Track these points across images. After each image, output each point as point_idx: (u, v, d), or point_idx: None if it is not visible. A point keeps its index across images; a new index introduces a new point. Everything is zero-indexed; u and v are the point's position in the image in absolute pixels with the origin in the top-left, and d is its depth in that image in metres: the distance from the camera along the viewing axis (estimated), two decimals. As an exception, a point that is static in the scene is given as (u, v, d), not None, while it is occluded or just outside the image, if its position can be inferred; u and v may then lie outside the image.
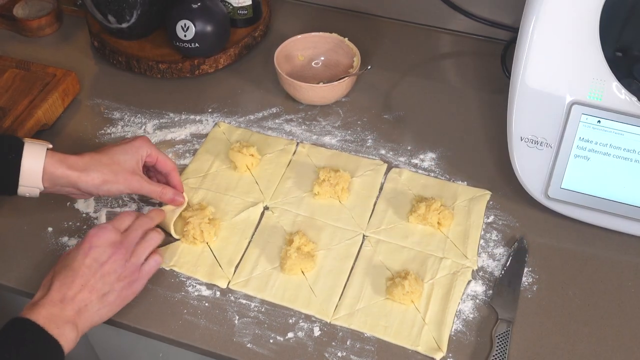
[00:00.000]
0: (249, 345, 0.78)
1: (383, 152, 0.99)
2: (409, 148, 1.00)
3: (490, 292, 0.83)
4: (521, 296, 0.83)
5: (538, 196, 0.89)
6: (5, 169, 0.79)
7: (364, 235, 0.89)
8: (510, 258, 0.86)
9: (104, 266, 0.76)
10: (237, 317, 0.81)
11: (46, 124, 1.01)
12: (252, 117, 1.05)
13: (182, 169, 0.97)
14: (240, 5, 1.13)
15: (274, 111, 1.06)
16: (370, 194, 0.94)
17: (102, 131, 1.03)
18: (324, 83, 1.03)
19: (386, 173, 0.96)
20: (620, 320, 0.81)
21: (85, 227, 0.89)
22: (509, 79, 0.86)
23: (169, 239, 0.88)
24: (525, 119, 0.85)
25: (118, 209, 0.92)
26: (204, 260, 0.86)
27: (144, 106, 1.06)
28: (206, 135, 1.02)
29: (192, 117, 1.05)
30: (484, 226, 0.90)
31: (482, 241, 0.88)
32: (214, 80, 1.11)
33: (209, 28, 1.06)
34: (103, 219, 0.90)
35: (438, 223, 0.89)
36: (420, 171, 0.97)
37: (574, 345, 0.78)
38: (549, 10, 0.80)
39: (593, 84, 0.81)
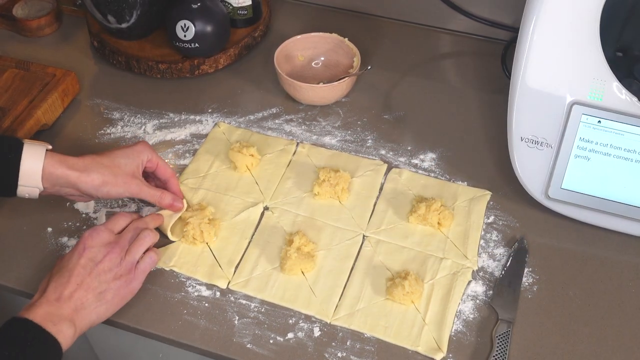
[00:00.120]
0: (248, 345, 0.78)
1: (383, 152, 0.99)
2: (409, 148, 1.00)
3: (491, 292, 0.83)
4: (521, 296, 0.83)
5: (538, 196, 0.89)
6: (4, 169, 0.79)
7: (364, 236, 0.89)
8: (511, 258, 0.86)
9: (99, 265, 0.76)
10: (237, 318, 0.81)
11: (46, 124, 1.01)
12: (252, 117, 1.05)
13: (182, 169, 0.97)
14: (240, 5, 1.13)
15: (274, 111, 1.06)
16: (370, 194, 0.93)
17: (102, 131, 1.03)
18: (324, 83, 1.03)
19: (386, 173, 0.96)
20: (620, 320, 0.81)
21: (84, 227, 0.89)
22: (509, 79, 0.86)
23: (168, 240, 0.88)
24: (526, 119, 0.85)
25: (118, 209, 0.91)
26: (203, 260, 0.86)
27: (144, 106, 1.06)
28: (206, 135, 1.02)
29: (192, 117, 1.05)
30: (484, 226, 0.90)
31: (482, 241, 0.88)
32: (214, 81, 1.11)
33: (208, 28, 1.06)
34: (103, 219, 0.90)
35: (438, 223, 0.88)
36: (420, 171, 0.97)
37: (574, 346, 0.78)
38: (549, 10, 0.79)
39: (593, 84, 0.81)
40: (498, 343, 0.77)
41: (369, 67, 1.07)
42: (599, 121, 0.82)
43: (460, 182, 0.95)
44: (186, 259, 0.86)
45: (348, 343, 0.78)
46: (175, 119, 1.04)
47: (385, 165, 0.97)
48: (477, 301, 0.82)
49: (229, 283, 0.84)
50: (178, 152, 1.00)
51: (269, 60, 1.10)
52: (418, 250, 0.87)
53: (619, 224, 0.87)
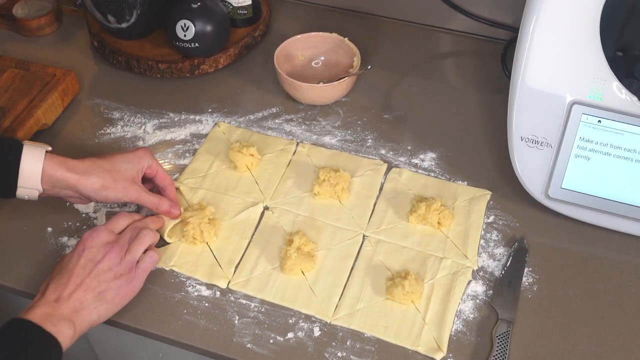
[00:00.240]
0: (248, 345, 0.78)
1: (383, 152, 0.99)
2: (409, 148, 1.00)
3: (491, 292, 0.83)
4: (521, 296, 0.83)
5: (538, 196, 0.89)
6: (4, 170, 0.79)
7: (364, 235, 0.89)
8: (511, 258, 0.86)
9: (99, 265, 0.76)
10: (237, 317, 0.81)
11: (46, 123, 1.01)
12: (252, 117, 1.05)
13: (181, 168, 0.97)
14: (240, 5, 1.13)
15: (274, 111, 1.06)
16: (370, 194, 0.93)
17: (102, 131, 1.03)
18: (324, 83, 1.03)
19: (386, 173, 0.96)
20: (620, 320, 0.81)
21: (84, 227, 0.89)
22: (509, 78, 0.86)
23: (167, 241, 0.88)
24: (526, 118, 0.85)
25: (118, 209, 0.91)
26: (203, 260, 0.86)
27: (144, 106, 1.06)
28: (206, 135, 1.02)
29: (191, 117, 1.05)
30: (484, 226, 0.90)
31: (482, 241, 0.88)
32: (214, 80, 1.11)
33: (208, 28, 1.06)
34: (103, 219, 0.90)
35: (438, 223, 0.88)
36: (420, 171, 0.97)
37: (574, 346, 0.78)
38: (549, 10, 0.79)
39: (593, 83, 0.81)
40: (498, 343, 0.77)
41: (369, 67, 1.07)
42: (599, 121, 0.82)
43: (460, 182, 0.95)
44: (186, 258, 0.86)
45: (348, 343, 0.78)
46: (175, 119, 1.04)
47: (385, 165, 0.97)
48: (477, 301, 0.82)
49: (229, 283, 0.84)
50: (178, 152, 1.00)
51: (269, 60, 1.10)
52: (418, 250, 0.87)
53: (619, 224, 0.87)
